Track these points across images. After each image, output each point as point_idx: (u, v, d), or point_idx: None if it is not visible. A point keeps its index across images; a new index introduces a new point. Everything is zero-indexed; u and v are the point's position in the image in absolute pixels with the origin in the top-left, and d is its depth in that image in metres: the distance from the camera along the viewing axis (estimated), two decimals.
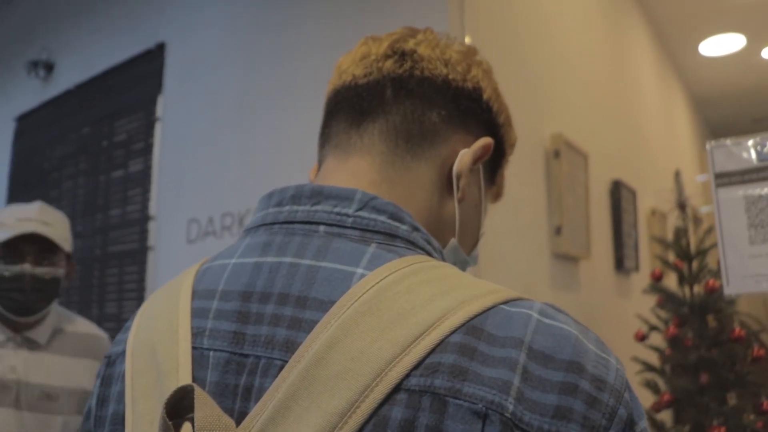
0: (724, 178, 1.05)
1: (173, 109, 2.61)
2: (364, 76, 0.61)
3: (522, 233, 2.09)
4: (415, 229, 0.54)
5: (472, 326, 0.44)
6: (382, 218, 0.52)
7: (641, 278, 3.05)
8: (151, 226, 2.60)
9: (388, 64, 0.60)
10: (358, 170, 0.58)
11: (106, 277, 2.79)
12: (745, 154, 1.06)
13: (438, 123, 0.60)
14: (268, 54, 2.23)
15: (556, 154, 2.24)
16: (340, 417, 0.41)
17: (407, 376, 0.42)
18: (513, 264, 2.00)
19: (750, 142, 1.06)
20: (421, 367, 0.42)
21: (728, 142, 1.09)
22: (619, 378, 0.45)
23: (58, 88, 3.21)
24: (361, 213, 0.52)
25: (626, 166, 3.14)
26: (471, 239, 0.66)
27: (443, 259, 0.57)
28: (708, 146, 1.11)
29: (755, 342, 2.27)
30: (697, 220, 2.72)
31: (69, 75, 3.16)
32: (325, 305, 0.46)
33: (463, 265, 0.65)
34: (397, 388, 0.41)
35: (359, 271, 0.48)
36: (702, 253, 2.49)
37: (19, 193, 3.45)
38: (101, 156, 2.95)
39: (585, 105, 2.76)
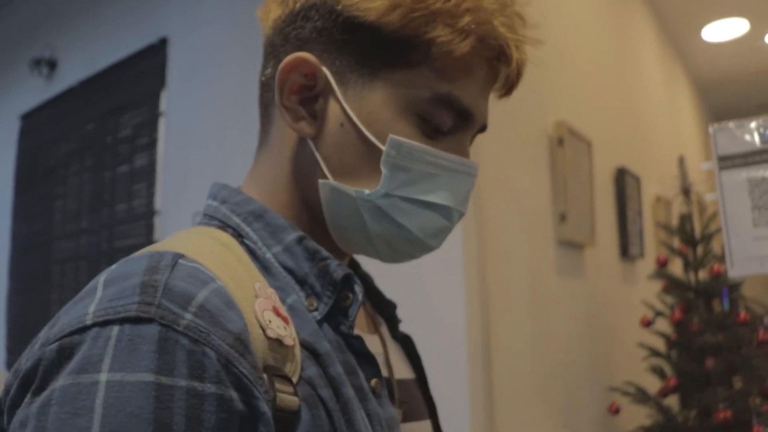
0: (727, 161, 1.04)
1: (177, 104, 2.62)
2: None
3: (526, 221, 2.10)
4: (223, 201, 0.56)
5: None
6: (208, 201, 0.58)
7: (646, 265, 3.05)
8: (157, 220, 2.61)
9: None
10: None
11: None
12: (747, 137, 1.04)
13: (270, 74, 0.58)
14: None
15: (560, 141, 2.24)
16: None
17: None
18: (518, 251, 2.00)
19: (753, 125, 1.05)
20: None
21: (731, 124, 1.08)
22: (60, 329, 0.41)
23: (62, 85, 3.22)
24: (206, 201, 0.59)
25: (630, 153, 3.14)
26: (362, 164, 0.54)
27: (253, 217, 0.55)
28: (711, 129, 1.10)
29: (761, 326, 2.28)
30: (701, 206, 2.72)
31: (72, 72, 3.17)
32: None
33: (366, 204, 0.53)
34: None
35: None
36: (707, 238, 2.50)
37: (24, 190, 3.47)
38: (106, 152, 2.96)
39: (588, 92, 2.75)
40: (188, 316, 0.40)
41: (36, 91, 3.38)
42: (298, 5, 0.55)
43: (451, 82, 0.53)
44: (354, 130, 0.53)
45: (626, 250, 2.85)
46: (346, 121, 0.54)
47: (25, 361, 0.41)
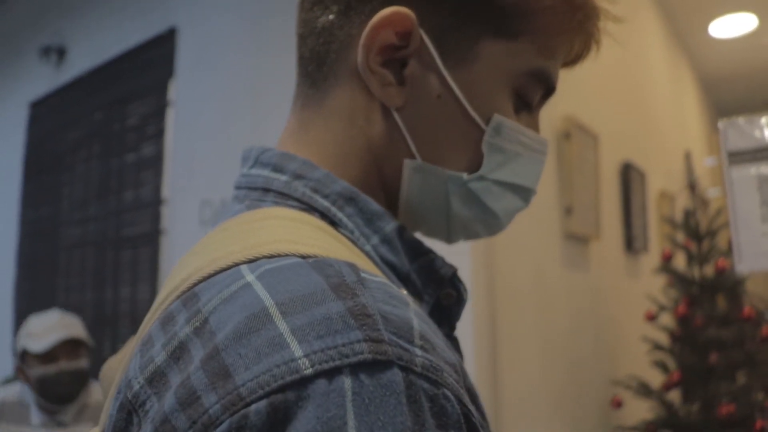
0: (737, 157, 1.04)
1: (185, 93, 2.63)
2: None
3: (533, 213, 2.10)
4: (297, 176, 0.46)
5: (191, 293, 0.37)
6: (265, 172, 0.48)
7: (650, 259, 3.06)
8: (164, 208, 2.63)
9: None
10: (287, 124, 0.53)
11: (120, 259, 2.83)
12: (757, 133, 1.04)
13: (335, 22, 0.47)
14: (280, 37, 2.24)
15: (567, 135, 2.25)
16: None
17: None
18: (524, 244, 2.01)
19: (763, 120, 1.04)
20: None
21: (740, 120, 1.08)
22: (257, 381, 0.30)
23: (71, 73, 3.23)
24: (251, 171, 0.49)
25: (636, 148, 3.14)
26: (459, 143, 0.48)
27: (344, 200, 0.46)
28: (720, 124, 1.09)
29: (765, 321, 2.29)
30: (704, 202, 2.73)
31: (81, 60, 3.18)
32: None
33: (459, 189, 0.48)
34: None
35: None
36: (712, 233, 2.50)
37: (33, 177, 3.49)
38: (114, 140, 2.97)
39: (595, 87, 2.76)
40: (419, 352, 0.32)
41: (45, 79, 3.40)
42: None
43: (548, 59, 0.49)
44: (455, 103, 0.46)
45: (630, 243, 2.86)
46: (446, 92, 0.46)
47: (188, 424, 0.30)
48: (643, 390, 2.38)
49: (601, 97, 2.81)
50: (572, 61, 0.54)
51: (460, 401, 0.33)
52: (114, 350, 2.92)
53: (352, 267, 0.36)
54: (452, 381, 0.33)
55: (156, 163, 2.70)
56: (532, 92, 0.49)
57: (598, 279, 2.57)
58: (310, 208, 0.45)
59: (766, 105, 5.35)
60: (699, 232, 2.51)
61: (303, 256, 0.36)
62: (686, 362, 2.38)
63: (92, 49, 3.12)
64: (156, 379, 0.34)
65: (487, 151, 0.47)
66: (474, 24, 0.46)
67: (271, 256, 0.37)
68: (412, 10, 0.45)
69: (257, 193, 0.47)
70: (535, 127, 0.52)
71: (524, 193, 0.52)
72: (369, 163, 0.48)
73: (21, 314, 3.33)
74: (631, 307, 2.77)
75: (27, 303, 3.34)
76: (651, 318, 2.48)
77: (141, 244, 2.72)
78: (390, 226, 0.46)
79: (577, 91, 2.53)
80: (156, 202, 2.67)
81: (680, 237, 2.66)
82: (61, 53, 3.29)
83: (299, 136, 0.50)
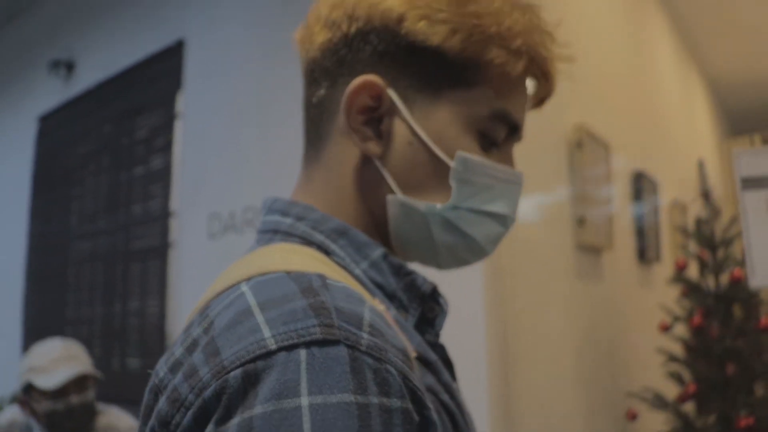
0: (749, 182, 1.13)
1: (193, 105, 2.63)
2: None
3: (545, 224, 2.08)
4: (299, 218, 0.57)
5: (205, 307, 0.49)
6: (275, 218, 0.58)
7: (663, 269, 3.02)
8: (173, 221, 2.62)
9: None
10: (298, 179, 0.63)
11: (129, 273, 2.82)
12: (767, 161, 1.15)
13: (325, 95, 0.59)
14: (288, 49, 2.22)
15: (579, 144, 2.23)
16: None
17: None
18: (537, 255, 1.99)
19: None
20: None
21: (753, 149, 1.17)
22: (235, 355, 0.40)
23: (80, 86, 3.24)
24: (266, 218, 0.59)
25: (648, 156, 3.11)
26: (431, 180, 0.57)
27: (337, 234, 0.56)
28: (734, 151, 1.18)
29: None
30: (718, 210, 2.69)
31: (90, 73, 3.19)
32: None
33: (435, 218, 0.57)
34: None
35: None
36: (726, 242, 2.47)
37: (42, 191, 3.49)
38: (122, 153, 2.97)
39: (606, 95, 2.74)
40: (366, 335, 0.41)
41: (54, 93, 3.41)
42: (353, 29, 0.56)
43: (506, 99, 0.57)
44: (423, 147, 0.56)
45: (643, 253, 2.83)
46: (415, 139, 0.56)
47: (191, 390, 0.41)
48: (659, 402, 2.35)
49: (612, 105, 2.79)
50: (538, 102, 0.63)
51: (405, 377, 0.41)
52: (123, 365, 2.91)
53: (321, 276, 0.46)
54: (397, 360, 0.41)
55: (165, 175, 2.70)
56: (495, 131, 0.57)
57: (612, 290, 2.54)
58: (308, 242, 0.56)
59: None
60: (714, 242, 2.47)
61: (287, 272, 0.47)
62: (702, 374, 2.35)
63: (101, 62, 3.13)
64: (175, 368, 0.45)
65: (455, 184, 0.56)
66: (433, 81, 0.56)
67: (263, 274, 0.47)
68: (382, 76, 0.56)
69: (269, 234, 0.58)
70: (507, 161, 0.60)
71: (501, 219, 0.59)
72: (360, 205, 0.58)
73: (30, 329, 3.32)
74: (645, 318, 2.74)
75: (36, 318, 3.33)
76: (665, 329, 2.44)
77: (150, 257, 2.71)
78: (377, 252, 0.56)
79: (589, 100, 2.51)
80: (165, 215, 2.66)
81: (693, 246, 2.62)
82: (69, 67, 3.30)
83: (305, 187, 0.61)
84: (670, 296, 2.64)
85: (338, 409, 0.37)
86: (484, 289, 1.65)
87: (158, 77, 2.81)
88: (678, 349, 2.51)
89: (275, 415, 0.37)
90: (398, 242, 0.59)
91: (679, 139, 3.89)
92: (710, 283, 2.45)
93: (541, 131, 2.10)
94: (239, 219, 2.30)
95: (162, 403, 0.43)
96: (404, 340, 0.46)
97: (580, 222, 2.21)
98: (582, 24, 2.56)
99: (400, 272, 0.56)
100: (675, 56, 4.00)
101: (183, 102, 2.67)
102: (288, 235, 0.56)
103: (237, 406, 0.39)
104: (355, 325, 0.41)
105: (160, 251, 2.65)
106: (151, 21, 2.90)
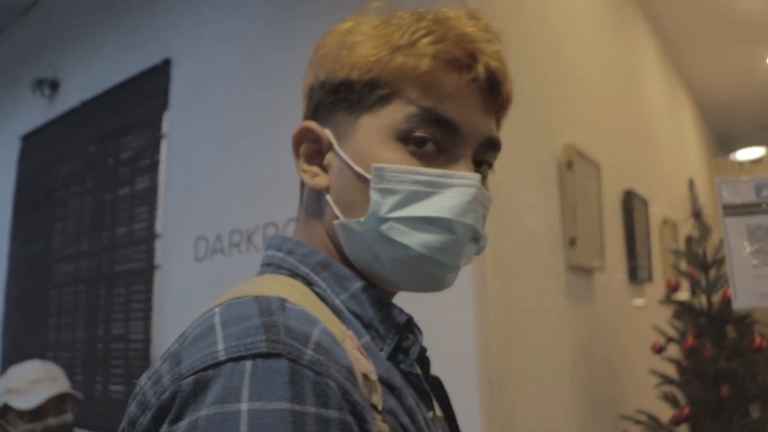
0: (730, 209, 1.19)
1: (180, 126, 2.59)
2: None
3: (536, 245, 2.06)
4: (289, 252, 0.62)
5: (186, 329, 0.53)
6: (271, 252, 0.64)
7: (655, 289, 3.00)
8: (158, 244, 2.57)
9: None
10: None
11: (113, 296, 2.76)
12: (747, 190, 1.22)
13: None
14: (275, 69, 2.21)
15: (569, 164, 2.21)
16: None
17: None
18: (528, 276, 1.96)
19: (751, 180, 1.23)
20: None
21: (733, 178, 1.24)
22: (192, 364, 0.45)
23: (64, 105, 3.19)
24: (265, 252, 0.65)
25: (637, 175, 3.11)
26: (360, 197, 0.59)
27: (321, 267, 0.61)
28: (717, 181, 1.26)
29: None
30: (709, 229, 2.68)
31: (75, 92, 3.15)
32: None
33: (369, 233, 0.59)
34: None
35: None
36: (719, 261, 2.45)
37: (24, 212, 3.43)
38: (107, 174, 2.92)
39: (596, 116, 2.73)
40: (309, 351, 0.45)
41: (37, 112, 3.36)
42: (306, 89, 0.65)
43: (425, 100, 0.58)
44: (348, 170, 0.60)
45: (635, 274, 2.81)
46: (343, 165, 0.60)
47: (154, 394, 0.46)
48: (653, 424, 2.31)
49: (602, 125, 2.79)
50: (497, 101, 0.62)
51: (345, 391, 0.45)
52: (106, 392, 2.84)
53: (281, 300, 0.50)
54: (338, 376, 0.45)
55: (150, 197, 2.65)
56: (420, 134, 0.58)
57: (604, 311, 2.51)
58: (295, 274, 0.61)
59: (763, 128, 5.37)
60: (705, 261, 2.45)
61: (255, 296, 0.51)
62: (696, 395, 2.31)
63: (86, 81, 3.09)
64: (154, 377, 0.48)
65: (375, 195, 0.57)
66: (353, 109, 0.60)
67: (237, 298, 0.52)
68: (320, 121, 0.63)
69: (265, 267, 0.64)
70: (455, 165, 0.59)
71: (442, 223, 0.57)
72: (323, 235, 0.63)
73: (9, 354, 3.24)
74: (638, 339, 2.71)
75: (15, 342, 3.26)
76: (658, 350, 2.41)
77: (134, 280, 2.66)
78: (356, 285, 0.60)
79: (578, 120, 2.50)
80: (150, 237, 2.61)
81: (684, 266, 2.60)
82: (54, 86, 3.26)
83: (297, 225, 0.68)
84: (662, 317, 2.61)
85: (274, 415, 0.41)
86: (475, 311, 1.62)
87: (144, 97, 2.77)
88: (671, 370, 2.48)
89: (217, 417, 0.42)
90: (359, 266, 0.61)
91: (669, 158, 3.90)
92: (703, 302, 2.43)
93: (532, 151, 2.08)
94: (226, 242, 2.26)
95: (132, 406, 0.48)
96: (365, 363, 0.51)
97: (572, 242, 2.19)
98: (573, 45, 2.56)
99: (379, 304, 0.59)
100: (663, 77, 4.03)
101: (169, 122, 2.63)
102: (279, 268, 0.62)
103: (187, 408, 0.43)
104: (301, 342, 0.45)
105: (145, 274, 2.60)
106: (137, 40, 2.87)
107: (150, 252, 2.59)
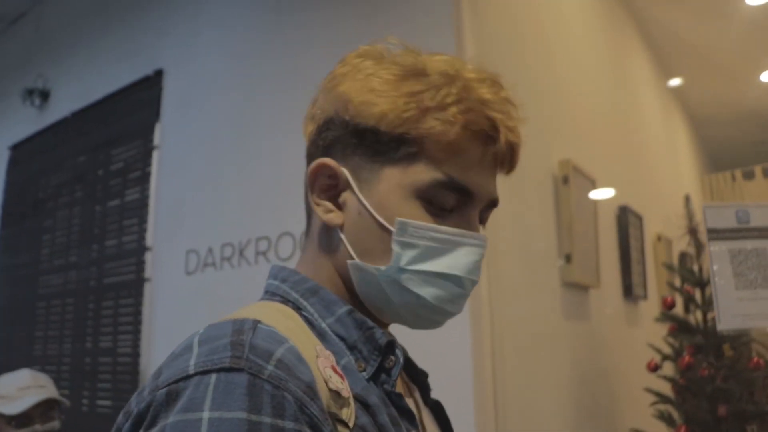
0: (715, 234, 1.24)
1: (171, 137, 2.56)
2: None
3: (532, 262, 2.03)
4: (283, 280, 0.67)
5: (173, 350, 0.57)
6: (269, 281, 0.69)
7: (650, 306, 2.98)
8: (148, 256, 2.53)
9: None
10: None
11: (101, 309, 2.71)
12: (729, 215, 1.26)
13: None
14: (267, 80, 2.18)
15: (565, 180, 2.19)
16: None
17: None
18: (523, 293, 1.93)
19: (731, 206, 1.28)
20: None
21: (717, 204, 1.32)
22: (167, 377, 0.50)
23: (54, 116, 3.16)
24: (267, 281, 0.69)
25: (632, 191, 3.09)
26: (379, 245, 0.63)
27: (309, 293, 0.65)
28: (703, 206, 1.32)
29: None
30: (704, 246, 2.66)
31: (65, 103, 3.11)
32: None
33: (385, 279, 0.63)
34: None
35: None
36: None
37: (12, 222, 3.38)
38: (97, 185, 2.88)
39: (592, 132, 2.72)
40: (270, 367, 0.49)
41: (27, 122, 3.32)
42: (321, 120, 0.67)
43: (448, 166, 0.62)
44: (369, 216, 0.63)
45: (630, 291, 2.79)
46: (363, 209, 0.64)
47: (136, 404, 0.51)
48: None
49: (598, 141, 2.78)
50: (500, 166, 0.67)
51: (302, 404, 0.49)
52: (93, 406, 2.79)
53: (255, 321, 0.55)
54: (296, 390, 0.49)
55: (141, 209, 2.61)
56: (441, 197, 0.63)
57: (599, 328, 2.49)
58: (286, 300, 0.65)
59: (755, 145, 5.39)
60: (702, 278, 2.43)
61: (233, 319, 0.56)
62: (693, 414, 2.28)
63: (76, 91, 3.06)
64: (138, 390, 0.54)
65: (397, 247, 0.62)
66: (376, 157, 0.63)
67: (218, 321, 0.57)
68: (336, 158, 0.65)
69: (263, 294, 0.69)
70: (466, 225, 0.64)
71: (454, 280, 0.63)
72: (331, 269, 0.67)
73: None
74: (633, 357, 2.68)
75: (1, 354, 3.19)
76: (654, 368, 2.38)
77: (123, 293, 2.61)
78: (342, 309, 0.64)
79: (574, 136, 2.49)
80: (140, 249, 2.57)
81: (679, 283, 2.58)
82: (44, 96, 3.22)
83: (300, 256, 0.72)
84: (657, 334, 2.59)
85: (231, 424, 0.45)
86: (470, 328, 1.60)
87: (135, 108, 2.74)
88: (667, 389, 2.45)
89: (181, 424, 0.46)
90: (368, 303, 0.66)
91: (663, 174, 3.89)
92: (699, 319, 2.40)
93: (528, 167, 2.06)
94: (217, 255, 2.22)
95: (120, 415, 0.53)
96: (337, 380, 0.55)
97: (567, 259, 2.16)
98: (568, 62, 2.56)
99: (363, 327, 0.63)
100: (657, 93, 4.03)
101: (161, 133, 2.60)
102: (273, 295, 0.67)
103: (160, 416, 0.48)
104: (263, 359, 0.50)
105: (134, 287, 2.56)
106: (129, 50, 2.84)
107: (140, 265, 2.55)
